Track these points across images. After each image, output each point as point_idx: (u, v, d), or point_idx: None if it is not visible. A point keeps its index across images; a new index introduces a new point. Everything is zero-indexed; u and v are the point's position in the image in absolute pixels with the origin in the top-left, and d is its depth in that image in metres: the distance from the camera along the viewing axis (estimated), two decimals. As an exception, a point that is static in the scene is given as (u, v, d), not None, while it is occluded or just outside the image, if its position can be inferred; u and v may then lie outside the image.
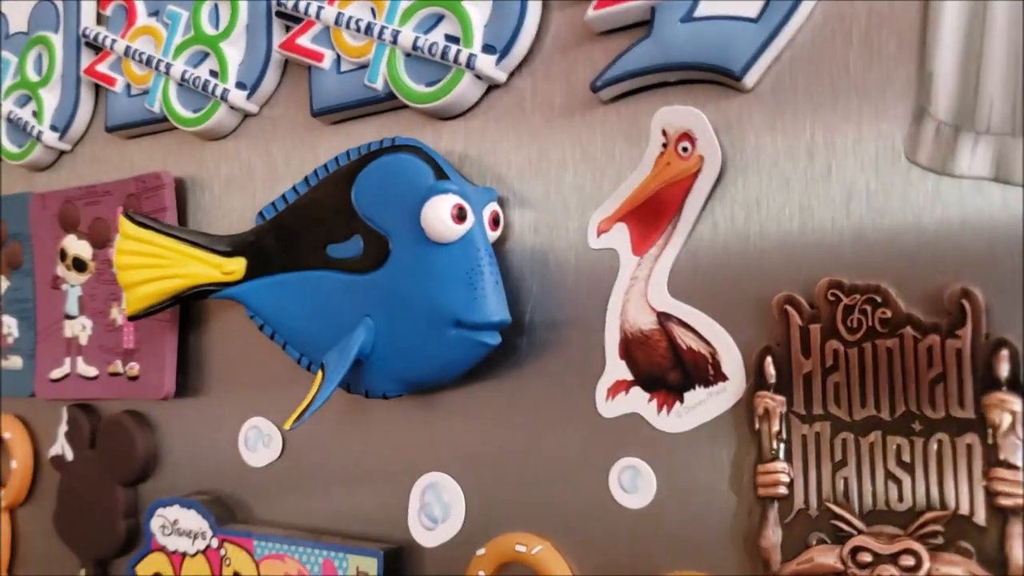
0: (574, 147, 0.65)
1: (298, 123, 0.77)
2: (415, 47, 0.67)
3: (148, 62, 0.81)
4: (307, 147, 0.76)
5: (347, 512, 0.74)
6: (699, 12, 0.59)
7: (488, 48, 0.65)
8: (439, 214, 0.62)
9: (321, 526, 0.75)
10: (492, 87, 0.68)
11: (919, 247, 0.54)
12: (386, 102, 0.70)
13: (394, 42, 0.68)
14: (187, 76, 0.78)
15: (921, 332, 0.53)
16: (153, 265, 0.74)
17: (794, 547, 0.56)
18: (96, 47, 0.86)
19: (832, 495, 0.55)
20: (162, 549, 0.80)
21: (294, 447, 0.77)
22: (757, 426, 0.57)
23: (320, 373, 0.67)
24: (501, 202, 0.67)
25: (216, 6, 0.79)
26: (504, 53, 0.65)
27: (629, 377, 0.62)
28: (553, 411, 0.65)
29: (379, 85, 0.69)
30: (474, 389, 0.68)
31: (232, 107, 0.77)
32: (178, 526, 0.79)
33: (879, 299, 0.54)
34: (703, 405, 0.60)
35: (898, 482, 0.54)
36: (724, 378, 0.59)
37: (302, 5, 0.72)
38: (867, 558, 0.54)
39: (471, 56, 0.65)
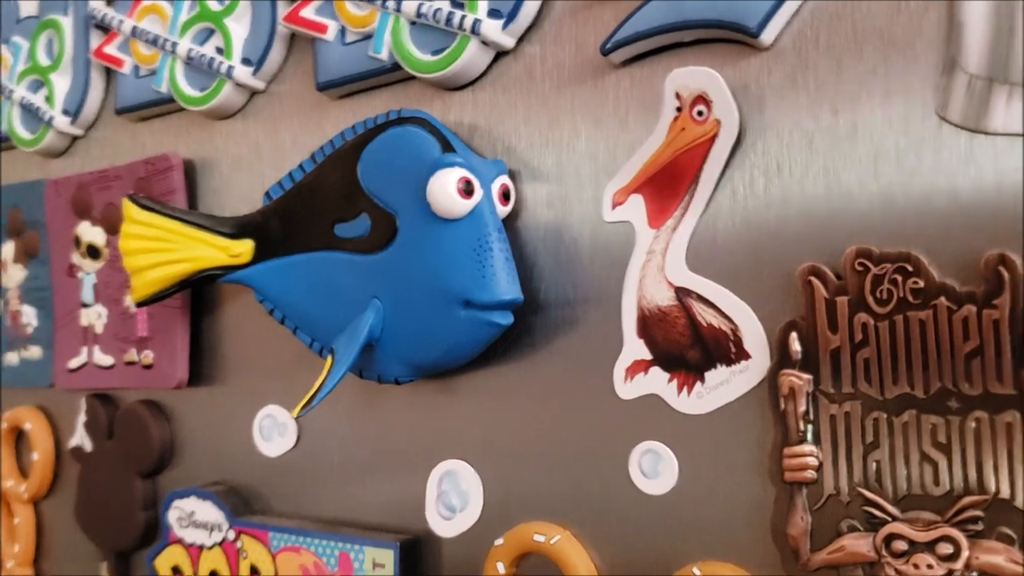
0: (585, 115, 0.62)
1: (305, 99, 0.74)
2: (419, 14, 0.64)
3: (154, 42, 0.79)
4: (314, 123, 0.74)
5: (364, 501, 0.72)
6: (713, -34, 0.55)
7: (494, 12, 0.62)
8: (445, 188, 0.59)
9: (337, 516, 0.73)
10: (500, 54, 0.65)
11: (952, 211, 0.50)
12: (393, 73, 0.68)
13: (398, 9, 0.65)
14: (193, 54, 0.76)
15: (956, 303, 0.49)
16: (159, 249, 0.72)
17: (824, 535, 0.53)
18: (104, 28, 0.84)
19: (864, 479, 0.52)
20: (180, 542, 0.79)
21: (309, 436, 0.75)
22: (783, 406, 0.54)
23: (329, 358, 0.65)
24: (512, 175, 0.64)
25: (221, -21, 0.77)
26: (511, 17, 0.62)
27: (648, 356, 0.59)
28: (570, 393, 0.63)
29: (384, 55, 0.67)
30: (487, 372, 0.66)
31: (238, 84, 0.75)
32: (195, 518, 0.78)
33: (910, 268, 0.50)
34: (725, 385, 0.56)
35: (934, 464, 0.50)
36: (747, 356, 0.56)
37: (305, -25, 0.70)
38: (902, 546, 0.50)
39: (476, 21, 0.62)
